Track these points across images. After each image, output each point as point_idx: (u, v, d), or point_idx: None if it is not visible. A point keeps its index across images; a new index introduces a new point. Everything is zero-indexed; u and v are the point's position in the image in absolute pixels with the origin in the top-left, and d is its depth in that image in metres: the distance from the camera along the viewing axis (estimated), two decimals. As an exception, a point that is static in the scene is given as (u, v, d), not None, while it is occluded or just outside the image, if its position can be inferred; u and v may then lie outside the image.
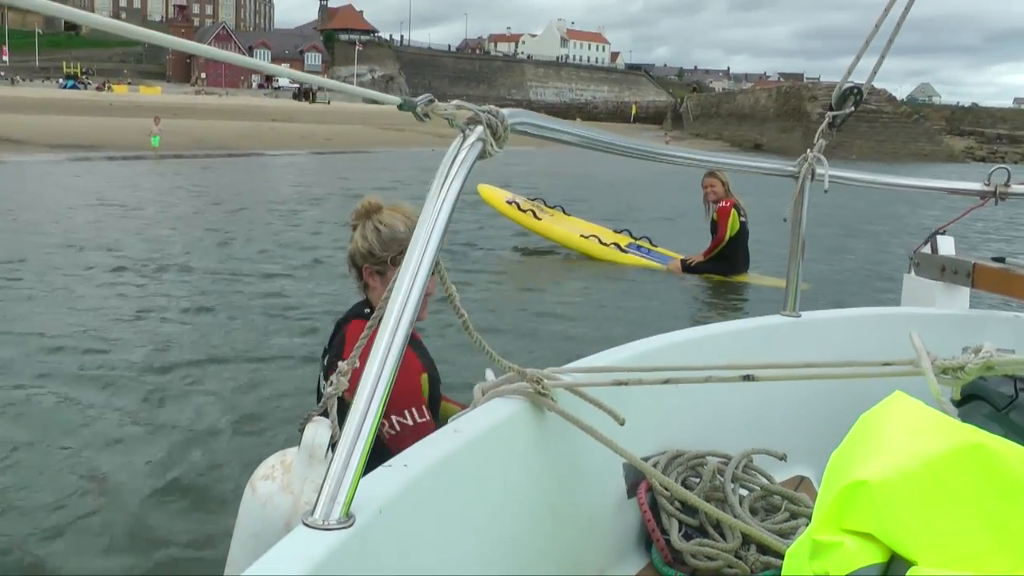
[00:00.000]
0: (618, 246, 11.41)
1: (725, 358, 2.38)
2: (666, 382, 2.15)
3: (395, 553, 1.51)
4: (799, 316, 3.14)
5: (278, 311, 8.55)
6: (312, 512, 1.38)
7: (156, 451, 4.98)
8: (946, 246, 3.76)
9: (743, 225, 10.18)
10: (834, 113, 3.10)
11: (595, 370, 2.26)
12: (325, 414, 1.92)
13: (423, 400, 2.75)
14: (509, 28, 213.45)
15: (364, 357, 1.57)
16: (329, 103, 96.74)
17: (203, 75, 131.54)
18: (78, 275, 9.94)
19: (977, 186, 3.49)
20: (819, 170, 3.05)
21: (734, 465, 2.47)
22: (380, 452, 2.45)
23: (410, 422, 2.67)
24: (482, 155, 1.71)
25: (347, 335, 2.86)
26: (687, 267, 10.60)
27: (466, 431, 1.84)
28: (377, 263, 2.86)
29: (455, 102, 1.74)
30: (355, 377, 2.46)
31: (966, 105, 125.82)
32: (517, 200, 12.54)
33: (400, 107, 1.68)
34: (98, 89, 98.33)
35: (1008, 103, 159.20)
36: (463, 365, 5.74)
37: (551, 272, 11.32)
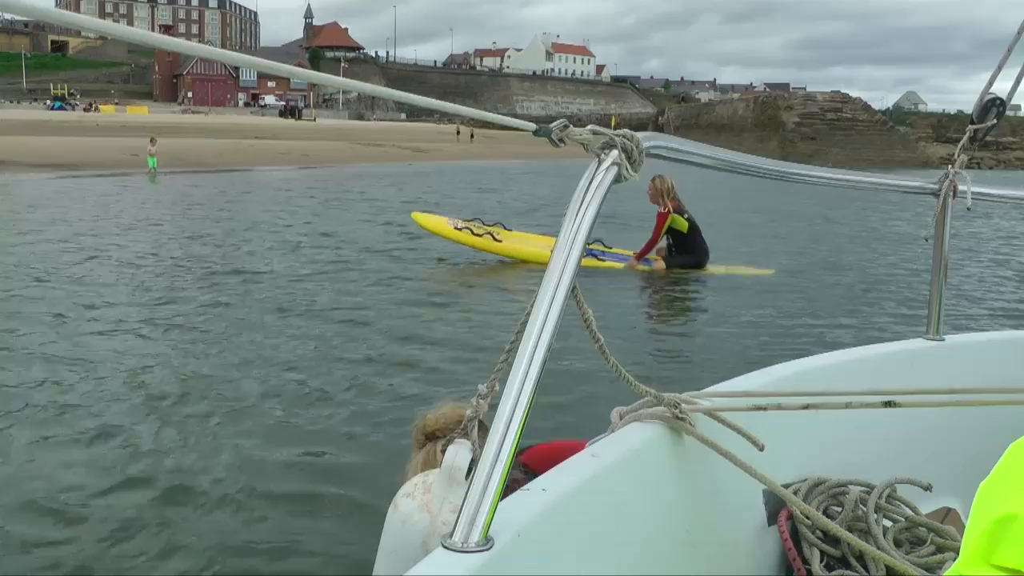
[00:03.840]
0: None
1: (866, 383, 2.32)
2: (806, 407, 2.12)
3: None
4: (943, 340, 3.01)
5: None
6: (451, 534, 1.40)
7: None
8: None
9: (690, 222, 11.23)
10: (976, 127, 2.93)
11: (733, 394, 2.22)
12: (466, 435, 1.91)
13: None
14: (495, 43, 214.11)
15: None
16: (315, 120, 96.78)
17: (189, 94, 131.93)
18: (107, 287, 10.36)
19: None
20: (961, 186, 2.89)
21: (877, 495, 2.36)
22: None
23: None
24: (617, 179, 1.70)
25: None
26: (667, 262, 11.37)
27: (604, 456, 1.83)
28: None
29: (590, 127, 1.73)
30: None
31: (952, 113, 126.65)
32: (469, 226, 12.23)
33: (535, 133, 1.68)
34: (85, 110, 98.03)
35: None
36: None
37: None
